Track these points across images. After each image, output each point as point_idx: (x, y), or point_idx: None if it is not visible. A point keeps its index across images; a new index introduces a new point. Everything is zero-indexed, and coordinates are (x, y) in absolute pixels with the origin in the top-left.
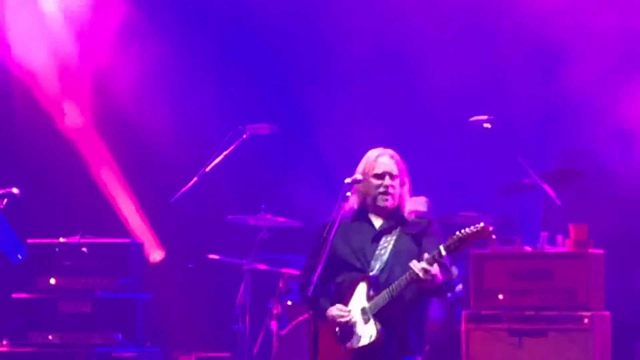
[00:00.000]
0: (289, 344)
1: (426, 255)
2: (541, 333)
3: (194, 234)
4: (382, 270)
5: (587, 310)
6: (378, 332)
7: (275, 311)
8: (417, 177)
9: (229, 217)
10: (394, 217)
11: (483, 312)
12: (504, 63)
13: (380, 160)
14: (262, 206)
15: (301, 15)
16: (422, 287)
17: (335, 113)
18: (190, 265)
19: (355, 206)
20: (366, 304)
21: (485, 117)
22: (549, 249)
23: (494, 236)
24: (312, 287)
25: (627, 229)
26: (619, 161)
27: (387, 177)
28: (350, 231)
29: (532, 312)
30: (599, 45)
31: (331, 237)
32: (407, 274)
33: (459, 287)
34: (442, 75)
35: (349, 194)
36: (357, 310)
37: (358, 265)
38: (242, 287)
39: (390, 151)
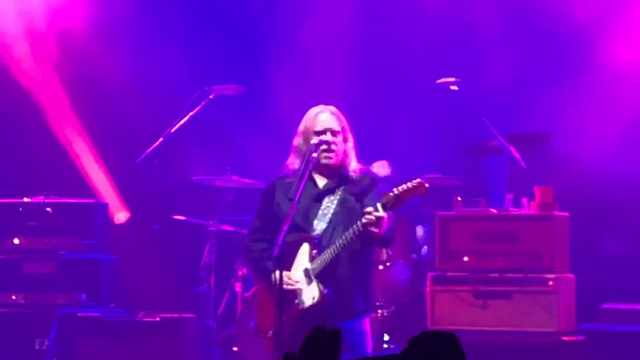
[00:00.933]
0: (253, 305)
1: (378, 204)
2: (506, 295)
3: (159, 194)
4: (325, 231)
5: (552, 272)
6: (321, 293)
7: (240, 273)
8: (381, 140)
9: (195, 178)
10: (337, 176)
11: (448, 274)
12: (473, 25)
13: (321, 117)
14: (228, 167)
15: None
16: (368, 239)
17: (302, 74)
18: (156, 226)
19: (298, 165)
20: (309, 265)
21: (452, 79)
22: (514, 211)
23: (459, 198)
24: (277, 247)
25: (592, 192)
26: (584, 124)
27: (328, 134)
28: (293, 190)
29: (497, 275)
30: (566, 11)
31: (296, 199)
32: (352, 227)
33: (424, 248)
34: (408, 37)
35: (315, 154)
36: (299, 272)
37: (302, 225)
38: (207, 248)
39: (331, 107)
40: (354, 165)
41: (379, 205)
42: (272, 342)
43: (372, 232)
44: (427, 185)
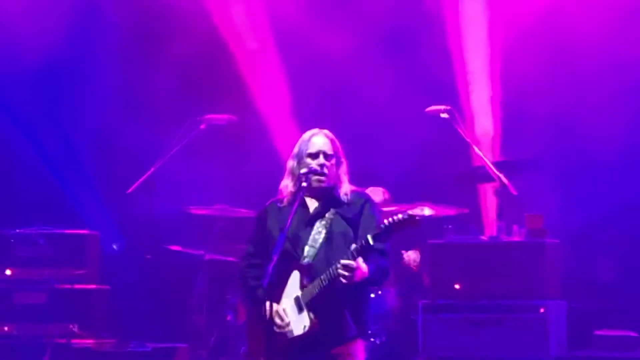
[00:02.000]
0: (244, 335)
1: (353, 246)
2: (497, 322)
3: (151, 224)
4: (315, 257)
5: (543, 299)
6: (311, 321)
7: (232, 302)
8: (372, 167)
9: (187, 207)
10: (329, 199)
11: (439, 301)
12: (463, 54)
13: (314, 139)
14: (219, 197)
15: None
16: (351, 283)
17: (292, 104)
18: (147, 256)
19: (291, 188)
20: (299, 294)
21: (442, 107)
22: (505, 238)
23: (449, 226)
24: (267, 279)
25: (583, 219)
26: (573, 152)
27: (321, 156)
28: (285, 215)
29: (488, 302)
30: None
31: (287, 226)
32: (332, 268)
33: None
34: (398, 65)
35: (304, 184)
36: (290, 300)
37: (292, 252)
38: (199, 277)
39: (325, 131)
40: (345, 188)
41: (369, 237)
42: None
43: (349, 278)
44: (418, 217)
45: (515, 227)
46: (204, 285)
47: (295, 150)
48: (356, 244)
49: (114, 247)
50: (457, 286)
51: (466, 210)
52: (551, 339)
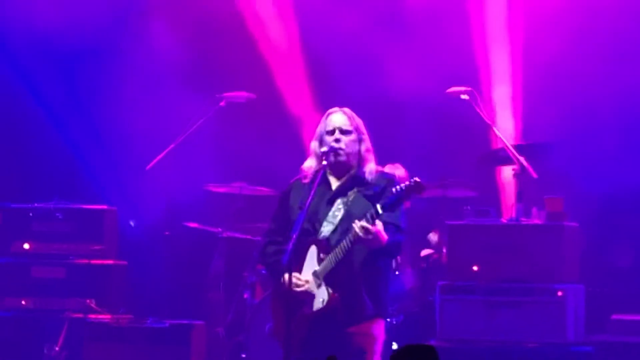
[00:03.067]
0: (262, 312)
1: (367, 214)
2: (515, 305)
3: (169, 201)
4: (332, 232)
5: (561, 283)
6: (330, 296)
7: (249, 280)
8: (391, 149)
9: (206, 185)
10: (351, 177)
11: (457, 283)
12: (484, 36)
13: (332, 117)
14: (238, 175)
15: None
16: (368, 247)
17: (313, 82)
18: (166, 233)
19: (315, 167)
20: (317, 267)
21: (462, 88)
22: (524, 221)
23: (468, 208)
24: (287, 255)
25: (602, 202)
26: (594, 135)
27: (336, 132)
28: (307, 193)
29: (506, 284)
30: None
31: (307, 205)
32: (350, 234)
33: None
34: (420, 46)
35: (324, 162)
36: (309, 275)
37: (310, 228)
38: (216, 255)
39: (345, 109)
40: (370, 167)
41: (378, 207)
42: (287, 345)
43: (366, 242)
44: (423, 184)
45: (534, 210)
46: (221, 262)
47: (317, 130)
48: (366, 214)
49: (131, 223)
50: (475, 268)
51: (484, 193)
52: (569, 323)
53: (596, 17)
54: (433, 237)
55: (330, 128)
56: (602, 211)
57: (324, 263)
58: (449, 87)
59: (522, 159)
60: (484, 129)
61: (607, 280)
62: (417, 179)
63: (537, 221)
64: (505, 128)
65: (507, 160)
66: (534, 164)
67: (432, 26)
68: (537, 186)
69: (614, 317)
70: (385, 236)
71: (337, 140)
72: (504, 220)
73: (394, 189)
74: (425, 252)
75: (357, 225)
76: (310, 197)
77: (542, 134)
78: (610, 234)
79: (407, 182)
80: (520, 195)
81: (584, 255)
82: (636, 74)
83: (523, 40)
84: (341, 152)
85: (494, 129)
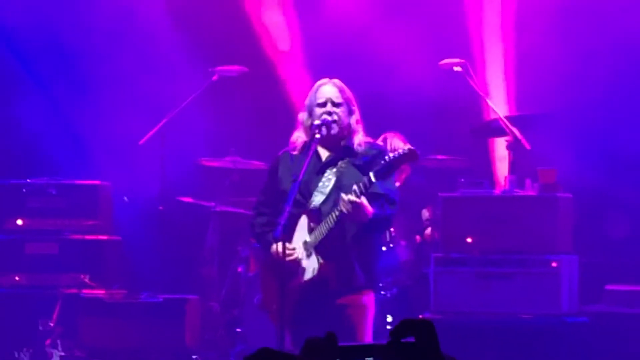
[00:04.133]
0: (256, 286)
1: (354, 187)
2: (509, 277)
3: (163, 176)
4: (323, 202)
5: (555, 254)
6: (320, 265)
7: (243, 254)
8: (384, 120)
9: (199, 159)
10: (341, 148)
11: (451, 255)
12: (477, 8)
13: (323, 88)
14: (232, 149)
15: None
16: (355, 221)
17: (305, 55)
18: (159, 207)
19: (303, 139)
20: (308, 238)
21: (455, 60)
22: (517, 192)
23: (462, 180)
24: (280, 228)
25: (596, 173)
26: (587, 107)
27: (328, 104)
28: (297, 164)
29: (500, 256)
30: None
31: (299, 179)
32: (336, 207)
33: (428, 229)
34: (411, 17)
35: (317, 135)
36: (300, 244)
37: (301, 199)
38: (210, 229)
39: (334, 80)
40: (359, 138)
41: (371, 175)
42: (275, 316)
43: (354, 216)
44: (418, 152)
45: (528, 181)
46: (215, 237)
47: (306, 101)
48: (358, 183)
49: (125, 198)
50: (469, 239)
51: (478, 164)
52: (563, 294)
53: None
54: (425, 213)
55: (321, 100)
56: (596, 182)
57: (315, 233)
58: (442, 60)
59: (515, 130)
60: (477, 101)
61: (601, 251)
62: (410, 146)
63: (530, 192)
64: (498, 100)
65: (501, 131)
66: (528, 136)
67: None
68: (531, 157)
69: (608, 287)
70: (370, 209)
71: (330, 113)
72: (497, 192)
73: (387, 157)
74: (428, 231)
75: (344, 198)
76: (303, 169)
77: (536, 106)
78: (604, 205)
79: (401, 150)
80: (513, 167)
81: (577, 226)
82: (629, 44)
83: (516, 11)
84: (334, 125)
85: (487, 100)
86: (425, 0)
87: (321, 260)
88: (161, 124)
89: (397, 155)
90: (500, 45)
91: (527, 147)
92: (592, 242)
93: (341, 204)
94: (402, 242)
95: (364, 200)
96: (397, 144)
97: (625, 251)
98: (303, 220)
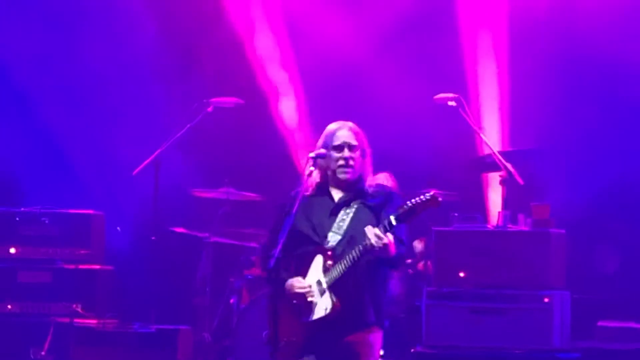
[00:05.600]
0: (248, 318)
1: (380, 225)
2: (501, 311)
3: (156, 206)
4: (338, 243)
5: (548, 289)
6: (333, 304)
7: (235, 285)
8: (379, 154)
9: (192, 190)
10: (354, 190)
11: (444, 289)
12: (471, 43)
13: (339, 132)
14: (225, 180)
15: None
16: (376, 257)
17: (298, 89)
18: (152, 237)
19: (317, 180)
20: (322, 276)
21: (450, 94)
22: (510, 227)
23: (455, 214)
24: (273, 260)
25: (589, 209)
26: (580, 142)
27: (345, 149)
28: (311, 205)
29: (492, 291)
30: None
31: (294, 211)
32: (361, 244)
33: (421, 263)
34: (407, 52)
35: (312, 168)
36: (313, 283)
37: (316, 239)
38: (203, 260)
39: (349, 123)
40: (370, 179)
41: (391, 218)
42: (284, 352)
43: (377, 252)
44: (440, 198)
45: (521, 217)
46: (208, 267)
47: (320, 142)
48: (379, 225)
49: (118, 228)
50: (461, 274)
51: (471, 199)
52: (555, 329)
53: (582, 25)
54: (418, 245)
55: (338, 143)
56: (588, 218)
57: (330, 272)
58: (437, 94)
59: (508, 165)
60: (471, 136)
61: (593, 287)
62: (433, 192)
63: (523, 228)
64: (492, 135)
65: (494, 166)
66: (521, 171)
67: (420, 34)
68: (524, 193)
69: (600, 323)
70: (393, 248)
71: (348, 158)
72: (490, 226)
73: (409, 202)
74: (421, 265)
75: (371, 232)
76: (296, 204)
77: (529, 141)
78: (596, 241)
79: (423, 196)
80: (506, 202)
81: (570, 262)
82: (622, 81)
83: (510, 47)
84: (349, 169)
85: (481, 135)
86: (419, 35)
87: (334, 299)
88: (155, 154)
89: (419, 201)
90: (494, 81)
91: (521, 182)
92: (585, 277)
93: (368, 234)
94: (395, 275)
95: (390, 237)
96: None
97: (618, 287)
98: (318, 259)
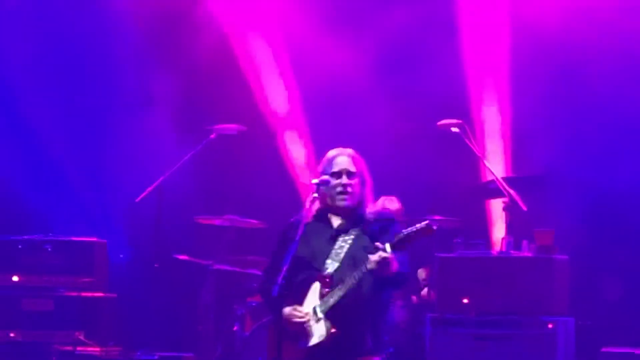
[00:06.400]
0: (252, 345)
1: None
2: (505, 338)
3: (159, 233)
4: (336, 270)
5: (551, 315)
6: (328, 331)
7: (239, 312)
8: (383, 180)
9: (196, 217)
10: (353, 217)
11: (447, 315)
12: (474, 70)
13: (338, 159)
14: (229, 207)
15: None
16: (379, 277)
17: (302, 115)
18: (155, 265)
19: (317, 207)
20: (318, 303)
21: (453, 121)
22: (514, 253)
23: (459, 240)
24: (277, 287)
25: (592, 235)
26: (584, 167)
27: (344, 176)
28: (310, 232)
29: (496, 317)
30: (550, 56)
31: (297, 237)
32: (364, 266)
33: (424, 290)
34: (410, 79)
35: (315, 195)
36: (310, 310)
37: (315, 265)
38: (206, 287)
39: (349, 150)
40: (370, 206)
41: (387, 246)
42: None
43: (380, 271)
44: (434, 227)
45: (524, 243)
46: (211, 295)
47: (319, 169)
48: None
49: (121, 256)
50: (465, 300)
51: (475, 225)
52: (559, 356)
53: (584, 51)
54: (421, 273)
55: (336, 170)
56: (592, 244)
57: (326, 298)
58: (440, 120)
59: (512, 191)
60: (475, 162)
61: (597, 313)
62: (428, 221)
63: (527, 254)
64: (495, 161)
65: (497, 192)
66: (524, 197)
67: (423, 60)
68: (527, 219)
69: (604, 349)
70: (396, 266)
71: (346, 185)
72: (494, 252)
73: (404, 231)
74: (424, 291)
75: (375, 255)
76: (299, 231)
77: (532, 167)
78: (600, 267)
79: (418, 225)
80: (510, 228)
81: (573, 288)
82: (627, 107)
83: (512, 74)
84: (347, 196)
85: (484, 161)
86: (422, 62)
87: (330, 326)
88: (158, 181)
89: (414, 230)
90: (497, 107)
91: (524, 208)
92: (588, 304)
93: (373, 258)
94: (399, 302)
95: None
96: (391, 207)
97: (621, 313)
98: (315, 286)
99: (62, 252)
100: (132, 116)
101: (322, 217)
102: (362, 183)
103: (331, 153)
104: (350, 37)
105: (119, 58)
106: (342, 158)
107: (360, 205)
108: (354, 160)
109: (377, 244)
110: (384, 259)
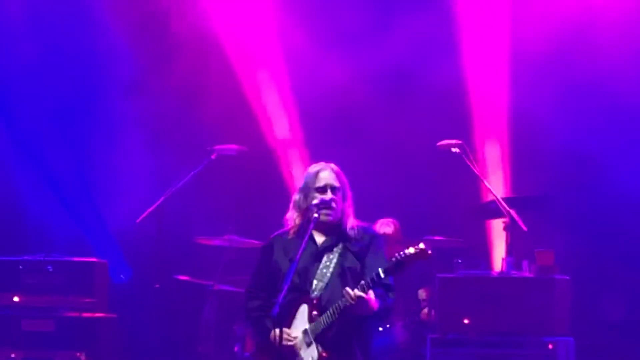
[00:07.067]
0: None
1: (362, 282)
2: (506, 358)
3: (160, 254)
4: (324, 291)
5: (552, 335)
6: (320, 355)
7: (239, 333)
8: (383, 201)
9: (196, 237)
10: (336, 233)
11: (448, 336)
12: (474, 90)
13: (322, 174)
14: (229, 227)
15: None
16: (359, 314)
17: (302, 135)
18: (156, 285)
19: (297, 221)
20: (308, 326)
21: (453, 141)
22: (514, 274)
23: (459, 261)
24: (277, 307)
25: (593, 255)
26: (584, 188)
27: (328, 191)
28: (292, 247)
29: (497, 337)
30: (551, 76)
31: (297, 257)
32: (341, 300)
33: (425, 311)
34: (410, 99)
35: (316, 215)
36: (299, 332)
37: (300, 285)
38: (207, 307)
39: (331, 165)
40: (351, 222)
41: (380, 271)
42: None
43: (358, 310)
44: (429, 251)
45: (525, 263)
46: (212, 315)
47: (303, 184)
48: (366, 277)
49: (121, 276)
50: (466, 321)
51: (475, 245)
52: None
53: (584, 70)
54: (422, 293)
55: (320, 184)
56: (592, 264)
57: (316, 322)
58: (440, 140)
59: (512, 211)
60: (475, 182)
61: (598, 333)
62: (422, 245)
63: (527, 274)
64: (495, 181)
65: (498, 213)
66: (525, 217)
67: (424, 80)
68: (528, 239)
69: None
70: (375, 304)
71: (329, 200)
72: (494, 273)
73: (397, 254)
74: (425, 312)
75: (350, 294)
76: (300, 250)
77: (533, 187)
78: (601, 287)
79: (412, 249)
80: (510, 248)
81: (574, 308)
82: (628, 126)
83: (512, 94)
84: (331, 212)
85: (485, 182)
86: (423, 82)
87: (321, 350)
88: (159, 202)
89: (408, 255)
90: (497, 127)
91: (524, 228)
92: (589, 324)
93: (346, 297)
94: (399, 323)
95: (371, 294)
96: (386, 231)
97: (622, 333)
98: (303, 309)
99: (63, 272)
100: (132, 137)
101: (303, 232)
102: (344, 198)
103: (314, 168)
104: (350, 56)
105: (118, 79)
106: (325, 173)
107: (342, 220)
108: (337, 175)
109: (347, 289)
110: (359, 298)
